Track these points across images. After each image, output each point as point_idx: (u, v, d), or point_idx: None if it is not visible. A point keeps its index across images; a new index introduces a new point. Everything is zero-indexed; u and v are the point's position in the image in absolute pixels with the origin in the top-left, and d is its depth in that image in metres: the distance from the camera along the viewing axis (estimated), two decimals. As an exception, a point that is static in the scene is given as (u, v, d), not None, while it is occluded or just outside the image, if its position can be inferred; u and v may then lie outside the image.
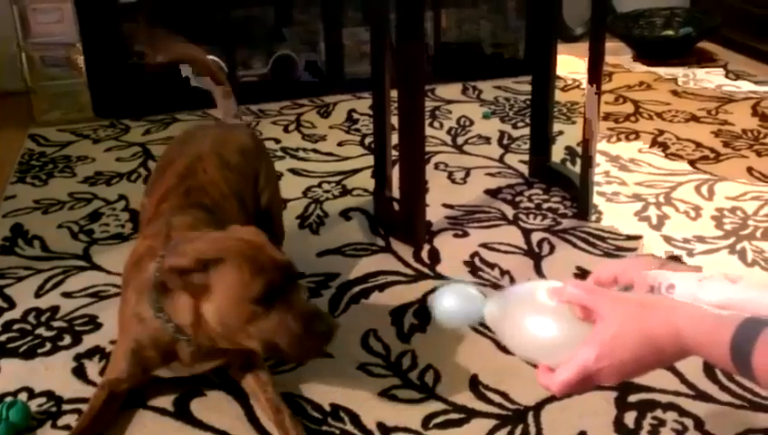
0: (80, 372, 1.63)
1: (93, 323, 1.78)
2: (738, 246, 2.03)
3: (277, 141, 2.76)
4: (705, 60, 3.54)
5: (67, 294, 1.89)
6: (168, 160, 1.71)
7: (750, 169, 2.48)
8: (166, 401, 1.54)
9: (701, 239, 2.07)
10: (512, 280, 1.90)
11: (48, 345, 1.71)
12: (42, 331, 1.76)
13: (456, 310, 1.00)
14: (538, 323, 0.90)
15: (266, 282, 1.27)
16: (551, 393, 0.91)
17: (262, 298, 1.27)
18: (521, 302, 0.93)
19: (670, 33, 3.59)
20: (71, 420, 1.50)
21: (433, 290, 1.84)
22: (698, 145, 2.66)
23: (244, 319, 1.28)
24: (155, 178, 1.70)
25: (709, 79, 3.31)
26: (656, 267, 0.95)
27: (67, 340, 1.73)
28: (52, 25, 2.92)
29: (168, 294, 1.33)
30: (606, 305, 0.85)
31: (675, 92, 3.17)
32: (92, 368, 1.64)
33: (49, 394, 1.57)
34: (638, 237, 2.09)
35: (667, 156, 2.59)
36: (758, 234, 2.09)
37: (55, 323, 1.79)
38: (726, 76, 3.34)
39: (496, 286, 1.88)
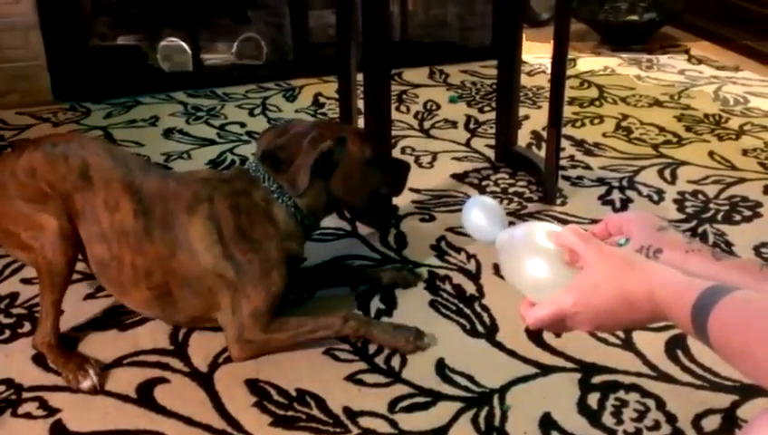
0: (40, 360, 1.60)
1: (54, 310, 1.75)
2: (700, 229, 2.06)
3: (242, 125, 2.73)
4: (669, 45, 3.58)
5: (26, 281, 1.86)
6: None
7: (711, 153, 2.51)
8: (128, 388, 1.52)
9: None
10: (478, 264, 1.91)
11: (7, 332, 1.68)
12: (1, 318, 1.73)
13: (477, 226, 1.05)
14: (532, 261, 0.94)
15: (372, 146, 1.70)
16: (525, 325, 0.97)
17: (372, 159, 1.68)
18: (523, 238, 0.97)
19: (635, 18, 3.62)
20: (31, 407, 1.47)
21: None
22: (661, 129, 2.70)
23: (362, 176, 1.68)
24: None
25: (672, 64, 3.35)
26: (654, 230, 0.98)
27: (27, 327, 1.70)
28: (9, 6, 2.84)
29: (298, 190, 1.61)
30: (593, 256, 0.89)
31: (638, 77, 3.20)
32: (53, 355, 1.61)
33: (8, 382, 1.54)
34: (601, 221, 2.10)
35: (630, 140, 2.62)
36: (719, 217, 2.13)
37: (14, 311, 1.75)
38: (689, 61, 3.38)
39: (462, 270, 1.89)
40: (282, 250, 1.62)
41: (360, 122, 2.11)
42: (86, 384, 1.51)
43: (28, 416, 1.46)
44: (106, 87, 2.97)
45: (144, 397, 1.50)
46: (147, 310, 1.67)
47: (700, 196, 2.24)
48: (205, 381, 1.54)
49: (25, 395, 1.51)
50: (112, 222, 1.59)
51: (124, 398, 1.50)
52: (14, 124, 2.75)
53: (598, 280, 0.87)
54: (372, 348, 1.62)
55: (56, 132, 2.63)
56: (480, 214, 1.05)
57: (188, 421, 1.44)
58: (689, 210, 2.16)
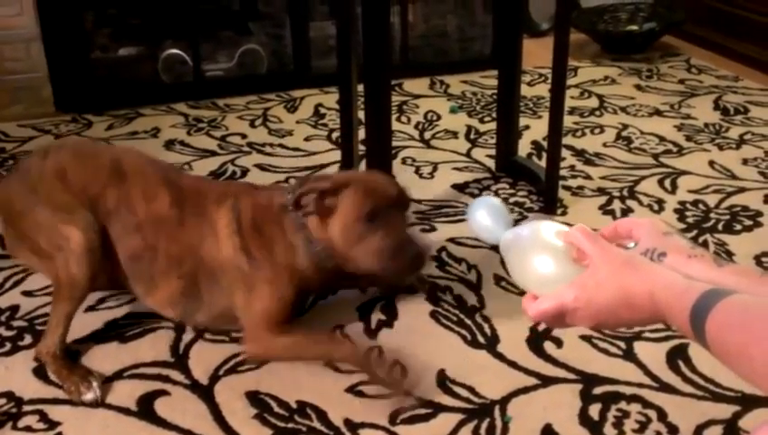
0: (40, 373, 1.59)
1: (55, 323, 1.75)
2: (701, 239, 2.06)
3: (243, 136, 2.74)
4: (669, 54, 3.58)
5: (27, 293, 1.86)
6: None
7: (712, 163, 2.51)
8: (129, 400, 1.52)
9: (664, 232, 2.10)
10: (479, 275, 1.91)
11: (8, 345, 1.68)
12: (1, 330, 1.73)
13: (483, 226, 1.07)
14: (539, 257, 0.97)
15: (374, 204, 1.52)
16: (526, 317, 0.98)
17: (368, 217, 1.51)
18: (530, 235, 0.99)
19: (634, 27, 3.63)
20: (32, 420, 1.47)
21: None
22: (662, 139, 2.70)
23: (356, 235, 1.52)
24: None
25: (672, 73, 3.35)
26: (660, 234, 1.00)
27: (27, 340, 1.70)
28: (11, 18, 2.85)
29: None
30: (598, 255, 0.91)
31: (638, 87, 3.21)
32: (54, 368, 1.61)
33: (9, 395, 1.54)
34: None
35: (630, 150, 2.62)
36: (720, 226, 2.12)
37: (15, 323, 1.75)
38: (689, 70, 3.39)
39: (463, 280, 1.89)
40: (292, 271, 1.60)
41: (361, 133, 2.11)
42: (89, 397, 1.51)
43: (29, 429, 1.45)
44: (107, 98, 2.98)
45: (145, 409, 1.50)
46: (170, 308, 1.67)
47: (701, 205, 2.24)
48: (205, 393, 1.54)
49: (26, 408, 1.51)
50: (149, 211, 1.63)
51: (125, 410, 1.50)
52: (16, 136, 2.75)
53: (601, 278, 0.89)
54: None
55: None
56: (486, 214, 1.07)
57: (189, 434, 1.44)
58: (690, 220, 2.16)
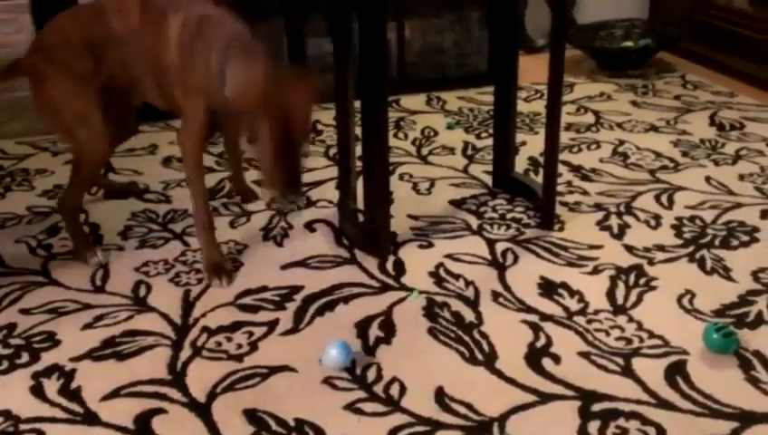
0: (37, 391, 1.59)
1: (52, 341, 1.75)
2: (698, 255, 2.06)
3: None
4: (664, 71, 3.60)
5: (25, 311, 1.85)
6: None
7: (708, 178, 2.52)
8: (126, 418, 1.51)
9: (661, 248, 2.10)
10: (476, 291, 1.91)
11: (5, 363, 1.67)
12: (-2, 349, 1.72)
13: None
14: None
15: (284, 136, 1.70)
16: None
17: (276, 144, 1.69)
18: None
19: (630, 44, 3.65)
20: (28, 440, 1.46)
21: (399, 301, 1.84)
22: (658, 155, 2.71)
23: (256, 133, 1.71)
24: None
25: (668, 89, 3.37)
26: None
27: (25, 358, 1.69)
28: (10, 36, 2.86)
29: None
30: None
31: (634, 103, 3.22)
32: (51, 386, 1.60)
33: (6, 413, 1.53)
34: (599, 247, 2.11)
35: (627, 166, 2.63)
36: (717, 242, 2.13)
37: (12, 341, 1.75)
38: (685, 86, 3.41)
39: (461, 297, 1.89)
40: (206, 95, 1.83)
41: (358, 149, 2.12)
42: (94, 260, 1.98)
43: (25, 448, 1.45)
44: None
45: (142, 428, 1.49)
46: (154, 99, 2.02)
47: (697, 221, 2.25)
48: (203, 411, 1.53)
49: (23, 427, 1.50)
50: (125, 27, 1.92)
51: (122, 429, 1.49)
52: (14, 154, 2.76)
53: None
54: (371, 376, 1.62)
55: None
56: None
57: (186, 452, 1.43)
58: (687, 235, 2.16)
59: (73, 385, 1.61)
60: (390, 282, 1.96)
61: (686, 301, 1.87)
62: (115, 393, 1.58)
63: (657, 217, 2.27)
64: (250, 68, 1.77)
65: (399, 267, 2.03)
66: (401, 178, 2.55)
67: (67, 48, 1.93)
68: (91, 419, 1.51)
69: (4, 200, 2.43)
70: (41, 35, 2.02)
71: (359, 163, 2.16)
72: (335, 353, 1.63)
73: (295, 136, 1.70)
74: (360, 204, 2.15)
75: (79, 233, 2.07)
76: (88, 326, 1.79)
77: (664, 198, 2.39)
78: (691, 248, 2.10)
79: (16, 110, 2.91)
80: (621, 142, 2.82)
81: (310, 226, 2.24)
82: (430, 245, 2.13)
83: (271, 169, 1.72)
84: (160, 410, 1.54)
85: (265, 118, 1.67)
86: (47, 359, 1.69)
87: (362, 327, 1.78)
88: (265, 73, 1.74)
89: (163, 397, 1.57)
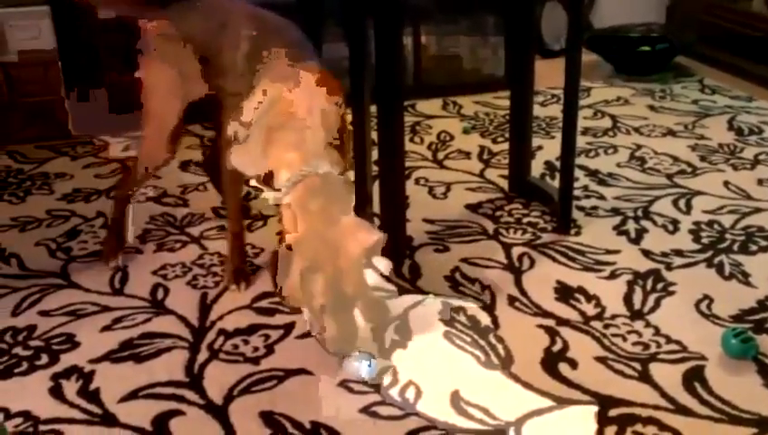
0: (57, 393, 1.60)
1: (71, 342, 1.76)
2: (716, 260, 2.05)
3: (257, 157, 2.75)
4: (682, 75, 3.59)
5: (44, 313, 1.87)
6: None
7: (726, 183, 2.50)
8: (144, 420, 1.52)
9: (679, 253, 2.09)
10: (492, 295, 1.91)
11: (25, 365, 1.69)
12: (18, 350, 1.74)
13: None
14: None
15: None
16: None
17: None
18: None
19: (647, 48, 3.64)
20: (47, 440, 1.48)
21: (414, 305, 1.84)
22: (675, 159, 2.69)
23: None
24: None
25: (685, 94, 3.36)
26: None
27: (44, 359, 1.71)
28: (29, 42, 2.90)
29: None
30: None
31: (652, 107, 3.21)
32: (70, 388, 1.62)
33: (25, 414, 1.54)
34: (616, 251, 2.10)
35: (644, 170, 2.62)
36: (735, 247, 2.11)
37: (32, 343, 1.76)
38: (702, 91, 3.39)
39: (477, 301, 1.88)
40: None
41: (375, 154, 2.13)
42: (111, 263, 2.05)
43: (44, 449, 1.46)
44: (123, 120, 3.00)
45: (159, 430, 1.50)
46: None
47: (716, 226, 2.23)
48: (220, 413, 1.54)
49: (42, 428, 1.51)
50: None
51: (140, 430, 1.50)
52: (34, 158, 2.79)
53: None
54: (387, 379, 1.62)
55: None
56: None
57: (203, 454, 1.44)
58: (705, 241, 2.15)
59: (92, 386, 1.62)
60: (406, 286, 1.96)
61: (704, 306, 1.85)
62: (133, 395, 1.59)
63: (675, 222, 2.26)
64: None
65: (415, 271, 2.03)
66: (417, 182, 2.55)
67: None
68: (109, 420, 1.53)
69: (24, 204, 2.45)
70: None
71: (375, 167, 2.16)
72: (359, 366, 1.62)
73: None
74: (377, 208, 2.15)
75: (115, 227, 2.11)
76: (106, 328, 1.81)
77: (682, 203, 2.37)
78: (709, 253, 2.08)
79: (35, 114, 2.94)
80: (639, 147, 2.80)
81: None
82: (446, 249, 2.13)
83: None
84: (178, 412, 1.54)
85: None
86: (66, 361, 1.70)
87: (378, 331, 1.78)
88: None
89: (180, 399, 1.58)
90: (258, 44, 1.78)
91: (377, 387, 1.60)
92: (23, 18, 2.84)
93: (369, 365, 1.63)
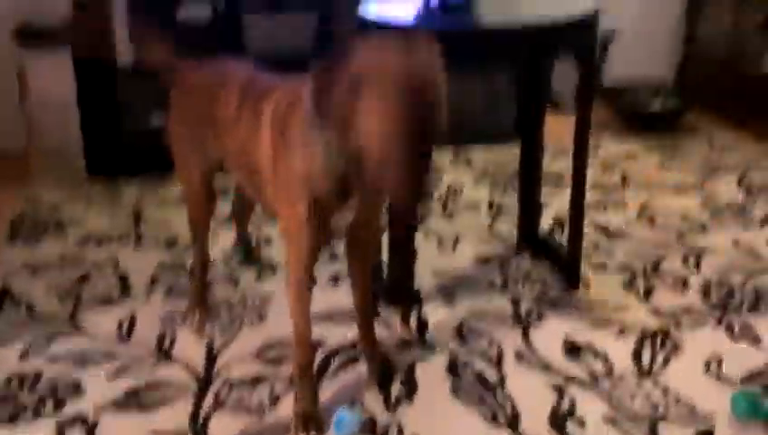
0: (61, 440, 1.60)
1: (77, 390, 1.76)
2: (725, 320, 2.04)
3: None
4: (692, 131, 3.60)
5: (52, 359, 1.88)
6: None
7: (736, 242, 2.50)
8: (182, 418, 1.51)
9: (688, 311, 2.08)
10: (500, 351, 1.90)
11: (30, 412, 1.69)
12: (24, 396, 1.74)
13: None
14: None
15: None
16: None
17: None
18: None
19: (657, 105, 3.67)
20: (49, 489, 1.47)
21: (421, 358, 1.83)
22: (685, 216, 2.69)
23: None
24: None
25: (695, 150, 3.37)
26: None
27: (49, 406, 1.70)
28: (49, 87, 2.96)
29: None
30: None
31: (662, 163, 3.22)
32: (74, 435, 1.62)
33: (29, 462, 1.54)
34: (625, 308, 2.09)
35: (653, 227, 2.62)
36: (745, 307, 2.10)
37: (39, 389, 1.76)
38: (712, 148, 3.40)
39: (484, 356, 1.88)
40: (307, 186, 1.48)
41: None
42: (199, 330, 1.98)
43: (46, 498, 1.45)
44: (138, 165, 3.04)
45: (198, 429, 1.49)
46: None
47: (725, 285, 2.22)
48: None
49: (44, 476, 1.50)
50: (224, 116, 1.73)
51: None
52: (49, 200, 2.82)
53: None
54: (393, 432, 1.61)
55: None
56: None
57: (205, 508, 1.43)
58: (714, 300, 2.14)
59: (96, 435, 1.62)
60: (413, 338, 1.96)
61: (713, 367, 1.84)
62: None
63: (685, 280, 2.25)
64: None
65: (422, 324, 2.02)
66: (426, 234, 2.56)
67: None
68: (140, 421, 1.52)
69: (37, 248, 2.47)
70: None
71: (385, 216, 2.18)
72: (339, 422, 1.62)
73: (425, 111, 1.28)
74: (385, 258, 2.16)
75: (197, 297, 2.05)
76: (112, 376, 1.81)
77: (691, 261, 2.37)
78: (719, 313, 2.07)
79: (52, 157, 2.99)
80: (648, 203, 2.81)
81: (334, 280, 2.25)
82: (454, 302, 2.13)
83: (399, 160, 1.28)
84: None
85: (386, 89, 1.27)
86: (71, 408, 1.70)
87: (384, 382, 1.77)
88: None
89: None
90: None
91: (382, 442, 1.59)
92: (44, 62, 2.90)
93: (346, 424, 1.61)
